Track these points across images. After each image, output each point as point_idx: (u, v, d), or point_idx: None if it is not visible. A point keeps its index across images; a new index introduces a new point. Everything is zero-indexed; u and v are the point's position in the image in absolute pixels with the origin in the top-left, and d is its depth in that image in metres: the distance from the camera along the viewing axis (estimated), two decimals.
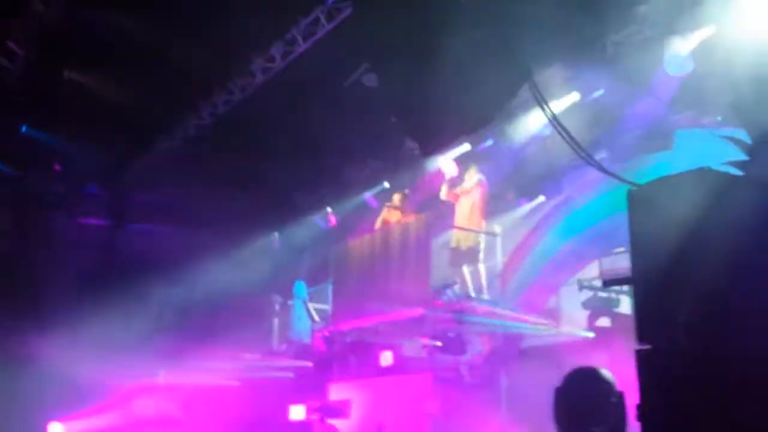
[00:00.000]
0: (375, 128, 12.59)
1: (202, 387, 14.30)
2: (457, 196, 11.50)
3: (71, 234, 15.27)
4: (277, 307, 14.65)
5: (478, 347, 11.16)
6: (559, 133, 4.72)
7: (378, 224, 12.51)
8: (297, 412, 12.49)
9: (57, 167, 14.61)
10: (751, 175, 3.69)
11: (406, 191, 12.53)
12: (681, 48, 9.14)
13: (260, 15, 10.30)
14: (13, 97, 12.14)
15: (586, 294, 10.44)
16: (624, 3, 9.19)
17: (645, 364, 3.65)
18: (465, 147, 12.15)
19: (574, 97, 10.36)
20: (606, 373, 3.50)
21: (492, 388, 10.85)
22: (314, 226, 15.48)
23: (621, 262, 8.88)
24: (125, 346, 13.13)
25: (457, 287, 10.78)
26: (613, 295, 10.19)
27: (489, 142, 12.26)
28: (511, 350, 11.07)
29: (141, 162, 14.36)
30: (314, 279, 13.91)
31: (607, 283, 8.49)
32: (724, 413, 3.29)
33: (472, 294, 10.85)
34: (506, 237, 11.52)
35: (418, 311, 10.62)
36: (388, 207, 12.38)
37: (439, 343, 11.15)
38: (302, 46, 10.86)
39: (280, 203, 15.75)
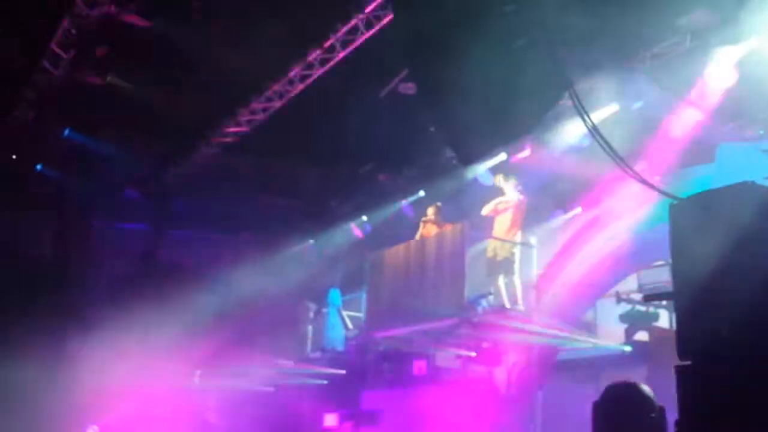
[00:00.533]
0: (411, 137, 12.59)
1: (237, 392, 14.38)
2: (498, 211, 11.43)
3: (111, 238, 15.46)
4: (311, 314, 14.68)
5: (513, 359, 11.08)
6: (600, 144, 4.66)
7: (417, 239, 12.48)
8: (330, 420, 12.50)
9: (98, 171, 14.82)
10: None
11: (439, 204, 12.46)
12: (723, 60, 9.02)
13: (299, 22, 10.37)
14: (57, 100, 12.34)
15: (624, 307, 10.32)
16: (666, 14, 9.09)
17: (686, 379, 3.60)
18: (501, 156, 12.10)
19: (614, 108, 10.25)
20: (645, 387, 3.45)
21: (527, 401, 10.75)
22: (349, 234, 15.50)
23: (660, 275, 8.79)
24: (162, 350, 13.25)
25: (491, 298, 10.70)
26: (652, 309, 10.07)
27: (526, 152, 12.18)
28: (546, 363, 10.97)
29: (180, 168, 14.51)
30: (349, 287, 13.92)
31: (648, 298, 8.38)
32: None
33: (507, 305, 10.76)
34: (542, 248, 11.43)
35: (452, 321, 10.56)
36: (425, 222, 12.35)
37: (473, 354, 11.09)
38: (340, 54, 10.90)
39: (316, 211, 15.81)
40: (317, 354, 14.15)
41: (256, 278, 14.48)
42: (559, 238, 12.02)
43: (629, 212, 10.52)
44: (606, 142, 4.44)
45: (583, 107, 4.66)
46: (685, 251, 3.79)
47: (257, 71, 11.67)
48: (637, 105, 10.33)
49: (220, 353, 13.98)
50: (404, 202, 14.49)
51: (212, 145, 13.66)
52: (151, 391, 13.79)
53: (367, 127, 12.38)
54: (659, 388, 3.54)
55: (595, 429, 3.34)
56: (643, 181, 4.85)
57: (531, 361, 11.14)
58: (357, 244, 15.09)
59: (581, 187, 11.72)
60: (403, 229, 13.72)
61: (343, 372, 13.49)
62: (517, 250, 11.09)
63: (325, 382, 14.00)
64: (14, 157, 14.13)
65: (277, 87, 11.96)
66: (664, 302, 9.41)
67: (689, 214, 3.85)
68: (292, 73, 11.52)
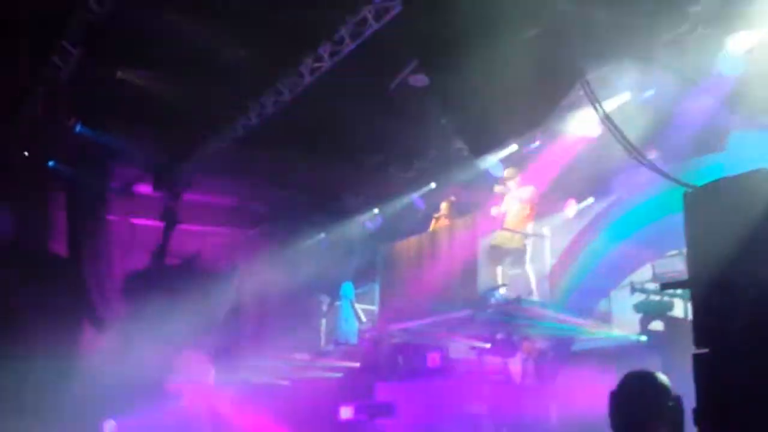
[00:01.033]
0: (422, 129, 12.57)
1: (253, 385, 14.44)
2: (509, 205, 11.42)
3: (123, 233, 15.53)
4: (324, 307, 14.72)
5: (527, 350, 11.07)
6: (612, 134, 4.67)
7: None
8: (345, 412, 12.54)
9: (110, 167, 14.88)
10: None
11: (452, 198, 12.44)
12: (735, 47, 8.95)
13: (308, 15, 10.36)
14: (67, 95, 12.38)
15: (639, 297, 10.29)
16: (677, 1, 9.03)
17: (702, 367, 3.60)
18: (513, 148, 12.07)
19: (625, 97, 10.21)
20: (662, 376, 3.45)
21: (542, 392, 10.75)
22: (361, 227, 15.51)
23: (675, 264, 8.76)
24: (177, 345, 13.32)
25: (504, 289, 10.68)
26: (666, 299, 10.03)
27: (536, 143, 12.15)
28: (561, 353, 10.96)
29: (192, 162, 14.55)
30: (361, 280, 13.94)
31: (665, 286, 8.35)
32: None
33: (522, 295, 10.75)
34: (555, 239, 11.40)
35: (466, 313, 10.56)
36: (436, 218, 12.33)
37: (487, 345, 11.09)
38: (350, 46, 10.88)
39: (327, 204, 15.82)
40: (331, 347, 14.18)
41: (269, 272, 14.51)
42: (572, 229, 11.99)
43: (642, 202, 10.48)
44: (619, 130, 4.44)
45: (595, 96, 4.66)
46: (700, 239, 3.78)
47: (267, 64, 11.67)
48: (649, 93, 10.28)
49: (234, 347, 14.03)
50: (415, 195, 14.48)
51: (223, 139, 13.68)
52: (166, 385, 13.87)
53: (377, 119, 12.37)
54: (675, 377, 3.54)
55: (612, 418, 3.34)
56: (657, 170, 4.85)
57: (546, 351, 11.13)
58: (369, 237, 15.10)
59: (594, 176, 11.68)
60: (415, 221, 13.72)
61: (358, 365, 13.52)
62: (529, 242, 11.07)
63: (340, 375, 14.04)
64: (26, 153, 14.21)
65: (286, 80, 11.97)
66: (679, 291, 9.37)
67: (704, 203, 3.84)
68: (301, 66, 11.52)
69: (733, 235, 3.58)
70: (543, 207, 11.83)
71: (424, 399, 12.02)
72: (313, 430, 13.12)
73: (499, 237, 11.06)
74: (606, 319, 10.75)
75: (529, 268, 10.96)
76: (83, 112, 13.36)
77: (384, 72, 11.75)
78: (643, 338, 10.15)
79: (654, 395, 3.28)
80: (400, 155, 14.34)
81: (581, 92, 5.40)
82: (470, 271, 10.59)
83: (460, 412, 11.18)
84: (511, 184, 11.42)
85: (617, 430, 3.31)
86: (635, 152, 4.41)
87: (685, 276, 3.99)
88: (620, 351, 9.99)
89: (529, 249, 11.01)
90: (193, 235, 15.98)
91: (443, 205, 12.28)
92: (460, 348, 12.20)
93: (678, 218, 4.01)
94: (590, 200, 11.92)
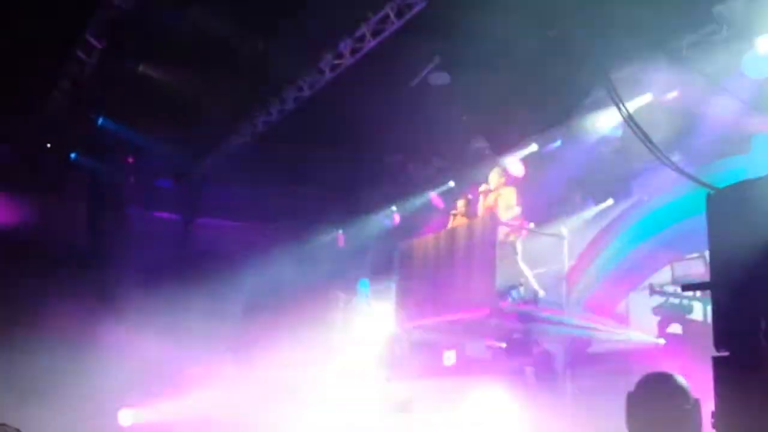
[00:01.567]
0: (440, 127, 12.55)
1: (267, 379, 14.47)
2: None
3: (144, 226, 15.64)
4: (340, 303, 14.73)
5: (544, 350, 11.02)
6: (635, 134, 4.64)
7: None
8: None
9: (130, 160, 14.99)
10: None
11: (470, 196, 12.40)
12: (760, 49, 8.87)
13: (330, 11, 10.37)
14: (90, 89, 12.48)
15: (657, 299, 10.21)
16: (701, 2, 8.96)
17: (722, 370, 3.57)
18: (533, 147, 12.02)
19: (647, 98, 10.13)
20: (680, 379, 3.42)
21: (558, 393, 10.71)
22: (379, 224, 15.52)
23: (695, 267, 8.68)
24: (194, 337, 13.40)
25: (522, 288, 10.65)
26: (686, 301, 9.95)
27: (557, 143, 12.09)
28: (578, 354, 10.91)
29: (212, 157, 14.61)
30: (378, 277, 13.94)
31: (686, 288, 8.27)
32: None
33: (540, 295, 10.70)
34: (573, 239, 11.35)
35: (483, 311, 10.52)
36: (454, 215, 12.30)
37: (503, 345, 11.05)
38: (371, 43, 10.86)
39: (345, 200, 15.84)
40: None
41: (286, 267, 14.55)
42: (590, 230, 11.93)
43: (663, 204, 10.41)
44: (642, 131, 4.41)
45: (618, 97, 4.64)
46: (722, 242, 3.76)
47: (288, 60, 11.70)
48: (672, 95, 10.20)
49: (250, 342, 14.08)
50: (433, 193, 14.46)
51: (243, 135, 13.74)
52: (183, 376, 13.94)
53: (397, 116, 12.36)
54: (693, 381, 3.51)
55: (629, 420, 3.32)
56: (680, 171, 4.81)
57: (562, 352, 11.09)
58: (386, 234, 15.10)
59: (613, 177, 11.62)
60: (433, 219, 13.70)
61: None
62: (517, 237, 10.97)
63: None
64: (49, 145, 14.34)
65: (307, 76, 11.98)
66: (698, 294, 9.31)
67: (727, 205, 3.81)
68: (322, 63, 11.53)
69: (755, 238, 3.56)
70: (562, 207, 11.79)
71: (440, 397, 12.00)
72: None
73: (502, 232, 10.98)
74: (624, 321, 10.69)
75: (521, 260, 10.88)
76: (106, 106, 13.47)
77: (404, 70, 11.74)
78: (662, 341, 10.07)
79: (672, 397, 3.25)
80: (419, 153, 14.33)
81: (602, 92, 5.37)
82: (488, 269, 10.55)
83: (475, 411, 11.16)
84: (495, 179, 11.36)
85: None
86: (658, 153, 4.37)
87: (705, 278, 3.96)
88: (637, 353, 9.92)
89: (519, 245, 10.92)
90: (212, 229, 16.07)
91: (460, 203, 12.26)
92: (476, 346, 12.17)
93: (698, 220, 3.98)
94: (610, 201, 11.86)
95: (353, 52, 11.10)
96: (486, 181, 11.59)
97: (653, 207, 10.80)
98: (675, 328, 10.24)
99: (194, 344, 13.44)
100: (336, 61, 11.41)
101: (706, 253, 3.96)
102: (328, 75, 11.70)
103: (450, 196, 13.62)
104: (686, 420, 3.24)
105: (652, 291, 10.25)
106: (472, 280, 10.73)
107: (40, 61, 11.83)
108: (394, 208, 15.05)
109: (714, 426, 3.43)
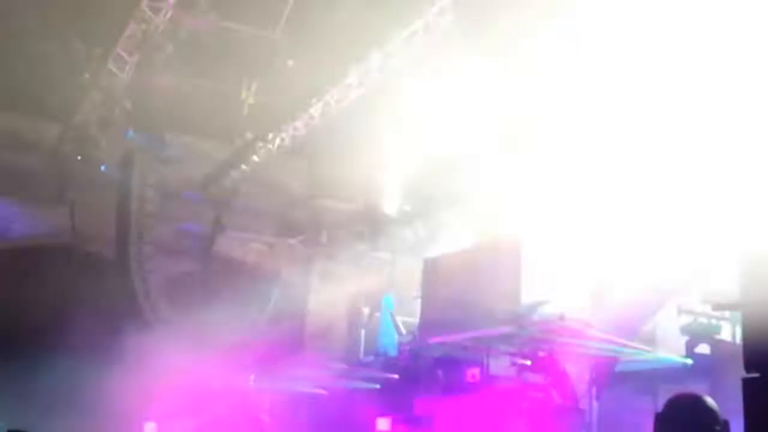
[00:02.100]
0: None
1: (291, 394, 14.47)
2: None
3: (171, 238, 15.75)
4: (364, 318, 14.71)
5: (569, 368, 10.90)
6: None
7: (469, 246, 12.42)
8: (383, 424, 12.48)
9: (160, 172, 15.12)
10: None
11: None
12: None
13: (359, 28, 10.44)
14: (122, 102, 12.64)
15: (685, 319, 10.08)
16: None
17: (752, 392, 3.51)
18: None
19: None
20: (709, 400, 3.37)
21: (583, 411, 10.58)
22: (403, 239, 15.50)
23: (723, 287, 8.53)
24: (218, 350, 13.43)
25: (548, 305, 10.56)
26: (714, 321, 9.81)
27: None
28: (604, 373, 10.77)
29: (239, 170, 14.71)
30: (402, 292, 13.91)
31: (717, 308, 8.16)
32: None
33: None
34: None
35: (507, 328, 10.45)
36: (476, 231, 12.26)
37: (528, 362, 10.94)
38: (399, 59, 10.91)
39: (371, 215, 15.85)
40: (370, 358, 14.16)
41: (311, 281, 14.57)
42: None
43: None
44: None
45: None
46: (753, 261, 3.70)
47: (316, 75, 11.78)
48: None
49: (274, 355, 14.08)
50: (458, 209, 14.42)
51: (270, 149, 13.82)
52: (207, 390, 13.96)
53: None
54: (721, 402, 3.46)
55: None
56: None
57: (588, 371, 10.95)
58: (411, 249, 15.08)
59: None
60: (457, 235, 13.66)
61: (396, 377, 13.46)
62: None
63: (378, 386, 13.99)
64: (79, 157, 14.51)
65: (335, 90, 12.04)
66: (726, 314, 9.17)
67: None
68: (349, 78, 11.59)
69: None
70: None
71: (463, 414, 11.91)
72: None
73: None
74: (651, 340, 10.55)
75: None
76: (136, 119, 13.62)
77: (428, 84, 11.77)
78: (689, 361, 9.92)
79: (702, 418, 3.21)
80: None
81: None
82: (513, 285, 10.50)
83: (500, 429, 11.05)
84: None
85: None
86: None
87: (734, 298, 3.91)
88: (664, 374, 9.78)
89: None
90: (238, 242, 16.14)
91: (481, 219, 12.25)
92: (500, 364, 12.07)
93: None
94: None
95: (382, 68, 11.16)
96: None
97: None
98: (703, 348, 10.09)
99: (219, 357, 13.46)
100: (364, 77, 11.46)
101: (738, 272, 3.90)
102: (356, 90, 11.76)
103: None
104: None
105: (680, 310, 10.12)
106: (497, 296, 10.68)
107: (72, 74, 12.00)
108: (419, 223, 15.05)
109: None
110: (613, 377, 10.77)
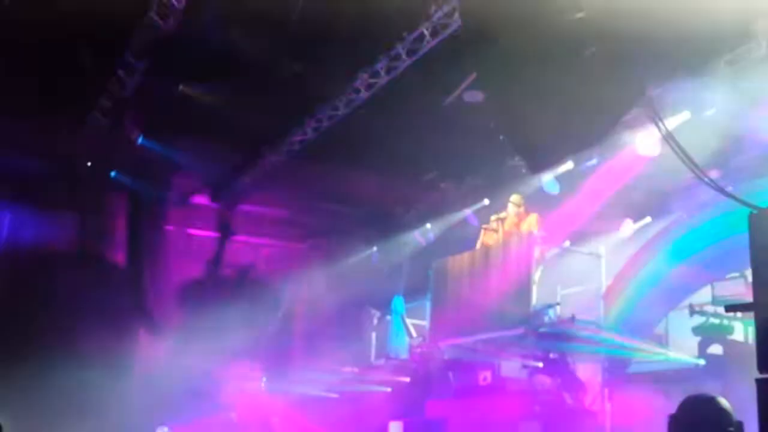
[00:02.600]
0: (475, 145, 12.54)
1: (302, 397, 14.51)
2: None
3: (180, 243, 15.80)
4: (375, 321, 14.72)
5: (581, 370, 10.90)
6: (675, 152, 4.58)
7: (478, 247, 12.41)
8: (394, 427, 12.50)
9: (169, 178, 15.16)
10: None
11: (503, 214, 12.36)
12: None
13: (365, 30, 10.44)
14: (131, 108, 12.68)
15: (697, 319, 10.07)
16: (740, 19, 8.87)
17: (767, 393, 3.51)
18: (569, 165, 11.96)
19: (685, 116, 10.02)
20: (723, 401, 3.38)
21: (595, 413, 10.57)
22: (413, 242, 15.52)
23: (735, 287, 8.55)
24: (229, 354, 13.47)
25: (559, 308, 10.55)
26: (726, 322, 9.80)
27: (593, 161, 12.01)
28: (616, 374, 10.76)
29: (248, 175, 14.74)
30: (412, 294, 13.92)
31: (730, 309, 8.15)
32: None
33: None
34: (611, 258, 11.23)
35: (518, 331, 10.44)
36: (486, 229, 12.24)
37: (540, 364, 10.94)
38: (406, 62, 10.91)
39: (380, 218, 15.87)
40: (381, 361, 14.18)
41: (321, 285, 14.59)
42: (628, 248, 11.80)
43: (702, 222, 10.28)
44: (682, 150, 4.36)
45: (658, 115, 4.59)
46: (765, 261, 3.70)
47: (323, 79, 11.79)
48: (710, 112, 10.08)
49: (285, 358, 14.12)
50: (468, 211, 14.43)
51: (279, 153, 13.84)
52: (219, 394, 14.01)
53: (431, 134, 12.38)
54: (734, 402, 3.46)
55: None
56: (720, 190, 4.73)
57: (600, 372, 10.95)
58: (421, 252, 15.09)
59: (651, 196, 11.50)
60: (468, 237, 13.66)
61: (407, 380, 13.47)
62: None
63: (389, 389, 14.01)
64: (89, 164, 14.57)
65: (343, 95, 12.05)
66: (739, 315, 9.15)
67: None
68: (357, 81, 11.60)
69: None
70: (599, 226, 11.69)
71: (475, 417, 11.91)
72: None
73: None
74: (663, 341, 10.54)
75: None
76: (145, 125, 13.66)
77: (439, 88, 11.77)
78: (702, 362, 9.91)
79: (716, 419, 3.22)
80: (452, 171, 14.32)
81: (639, 110, 5.32)
82: (524, 288, 10.48)
83: (512, 431, 11.05)
84: (513, 210, 11.45)
85: None
86: (698, 171, 4.32)
87: (746, 298, 3.91)
88: (676, 374, 9.77)
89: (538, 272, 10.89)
90: (248, 247, 16.19)
91: (492, 218, 12.24)
92: (511, 366, 12.06)
93: (739, 239, 3.93)
94: (648, 219, 11.73)
95: (389, 71, 11.16)
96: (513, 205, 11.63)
97: (692, 226, 10.66)
98: (715, 349, 10.08)
99: (230, 362, 13.51)
100: (371, 80, 11.47)
101: (747, 273, 3.91)
102: (364, 94, 11.76)
103: (485, 214, 13.59)
104: None
105: (692, 311, 10.11)
106: (508, 298, 10.66)
107: (81, 80, 12.04)
108: (428, 226, 15.05)
109: None
110: (625, 378, 10.77)
